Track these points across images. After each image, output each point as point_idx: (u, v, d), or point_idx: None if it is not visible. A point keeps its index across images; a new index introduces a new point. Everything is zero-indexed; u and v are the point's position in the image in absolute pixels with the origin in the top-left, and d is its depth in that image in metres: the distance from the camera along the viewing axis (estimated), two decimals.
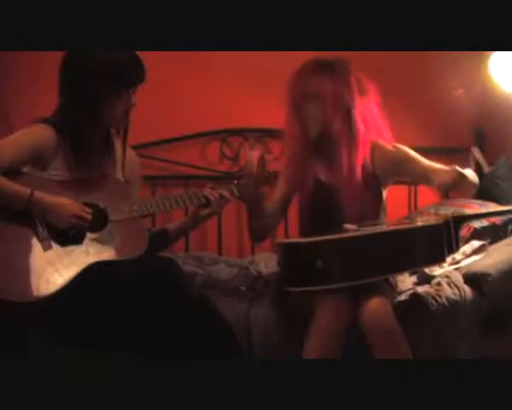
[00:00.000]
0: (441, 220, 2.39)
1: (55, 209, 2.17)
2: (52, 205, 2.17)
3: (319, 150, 2.53)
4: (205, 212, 2.41)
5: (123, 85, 2.27)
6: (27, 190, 2.15)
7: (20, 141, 2.24)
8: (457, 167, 2.33)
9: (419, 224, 2.44)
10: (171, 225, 2.54)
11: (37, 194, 2.16)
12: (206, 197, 2.38)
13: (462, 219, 2.47)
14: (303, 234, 2.55)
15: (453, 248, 2.40)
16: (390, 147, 2.55)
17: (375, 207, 2.53)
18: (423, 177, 2.46)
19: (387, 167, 2.54)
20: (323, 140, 2.50)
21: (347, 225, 2.37)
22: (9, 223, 2.16)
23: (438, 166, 2.41)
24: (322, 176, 2.55)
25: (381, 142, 2.55)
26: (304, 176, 2.53)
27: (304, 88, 2.47)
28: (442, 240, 2.37)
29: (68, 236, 2.19)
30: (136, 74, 2.29)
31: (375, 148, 2.54)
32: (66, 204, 2.19)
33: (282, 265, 2.40)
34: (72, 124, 2.26)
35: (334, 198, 2.50)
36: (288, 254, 2.36)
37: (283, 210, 2.65)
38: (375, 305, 2.27)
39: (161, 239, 2.48)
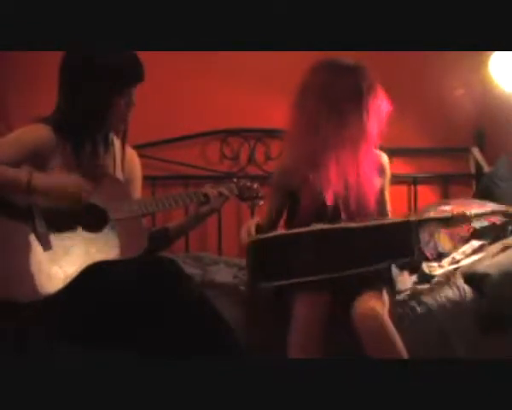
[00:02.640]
0: (403, 220, 2.39)
1: (56, 185, 2.17)
2: (54, 181, 2.17)
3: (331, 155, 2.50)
4: (205, 209, 2.41)
5: (122, 85, 2.27)
6: (27, 171, 2.16)
7: (18, 140, 2.24)
8: None
9: (381, 221, 2.43)
10: (172, 224, 2.54)
11: (38, 173, 2.17)
12: (205, 195, 2.39)
13: (426, 221, 2.46)
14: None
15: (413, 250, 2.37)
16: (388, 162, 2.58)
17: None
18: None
19: (383, 179, 2.56)
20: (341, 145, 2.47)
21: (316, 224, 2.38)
22: (9, 223, 2.17)
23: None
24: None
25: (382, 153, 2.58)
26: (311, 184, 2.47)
27: (344, 89, 2.41)
28: (404, 239, 2.35)
29: (65, 222, 2.19)
30: (135, 73, 2.29)
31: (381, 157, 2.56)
32: (68, 180, 2.19)
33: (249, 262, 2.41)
34: (71, 123, 2.27)
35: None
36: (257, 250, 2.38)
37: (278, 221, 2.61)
38: (368, 307, 2.26)
39: (162, 238, 2.48)
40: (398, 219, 2.41)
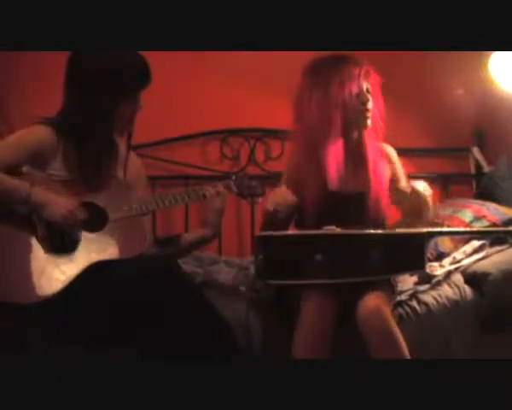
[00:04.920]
0: (418, 231, 2.38)
1: (51, 203, 2.16)
2: (50, 199, 2.17)
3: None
4: (210, 209, 2.42)
5: (127, 88, 2.27)
6: (27, 184, 2.16)
7: (19, 142, 2.24)
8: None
9: (397, 230, 2.43)
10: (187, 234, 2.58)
11: (37, 188, 2.17)
12: (204, 195, 2.39)
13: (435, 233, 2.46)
14: None
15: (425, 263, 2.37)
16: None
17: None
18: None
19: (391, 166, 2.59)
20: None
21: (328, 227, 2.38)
22: (10, 225, 2.17)
23: None
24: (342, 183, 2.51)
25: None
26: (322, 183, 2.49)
27: (359, 84, 2.47)
28: (417, 251, 2.35)
29: (62, 243, 2.19)
30: (140, 77, 2.29)
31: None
32: (63, 200, 2.18)
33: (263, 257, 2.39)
34: (75, 125, 2.27)
35: (357, 207, 2.49)
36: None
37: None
38: (373, 304, 2.27)
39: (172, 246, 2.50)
40: (413, 229, 2.40)
